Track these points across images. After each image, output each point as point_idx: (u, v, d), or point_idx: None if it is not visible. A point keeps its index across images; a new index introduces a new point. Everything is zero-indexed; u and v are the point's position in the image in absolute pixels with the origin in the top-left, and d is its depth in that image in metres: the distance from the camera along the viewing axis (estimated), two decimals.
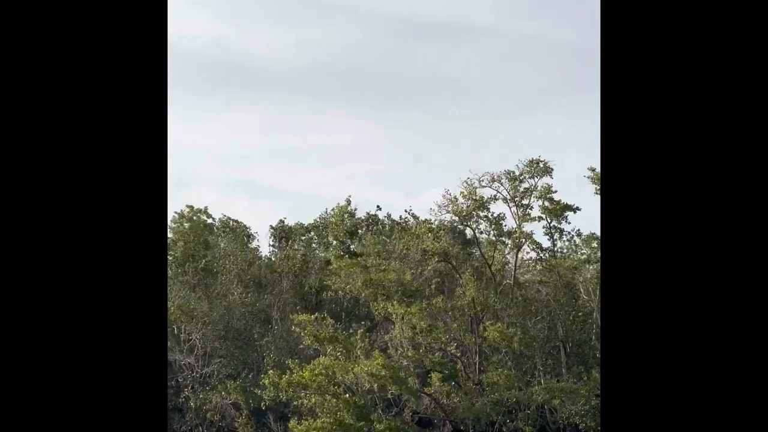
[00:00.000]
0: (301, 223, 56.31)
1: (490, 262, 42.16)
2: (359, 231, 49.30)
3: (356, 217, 53.22)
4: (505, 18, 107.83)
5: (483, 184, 40.80)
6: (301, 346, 41.85)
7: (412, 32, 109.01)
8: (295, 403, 38.86)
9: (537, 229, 41.98)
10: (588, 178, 40.47)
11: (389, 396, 39.61)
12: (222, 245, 53.75)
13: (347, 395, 38.32)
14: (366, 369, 37.57)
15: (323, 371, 38.45)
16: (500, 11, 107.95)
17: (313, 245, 55.90)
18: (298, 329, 39.82)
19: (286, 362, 39.65)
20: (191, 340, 44.80)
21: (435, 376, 39.74)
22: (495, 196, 41.11)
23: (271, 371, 39.17)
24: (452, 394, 39.94)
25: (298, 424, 38.04)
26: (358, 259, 41.66)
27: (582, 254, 48.78)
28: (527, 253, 42.07)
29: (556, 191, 41.40)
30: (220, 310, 45.36)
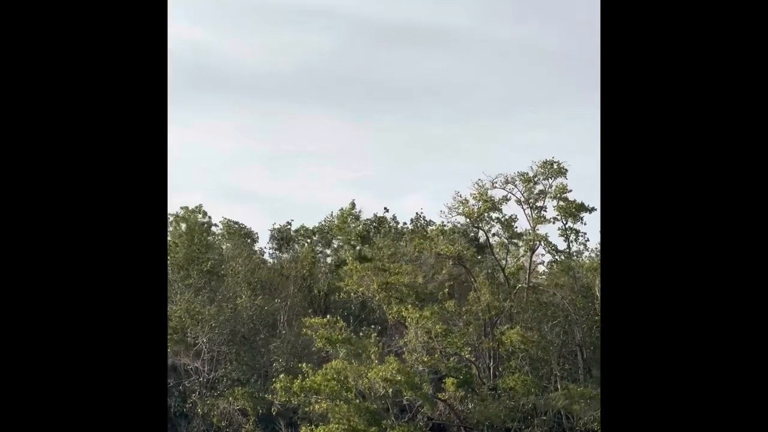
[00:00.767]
0: (305, 227, 55.50)
1: (503, 265, 41.38)
2: (370, 234, 48.39)
3: (361, 219, 52.47)
4: (483, 23, 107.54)
5: (496, 185, 40.04)
6: (314, 349, 41.08)
7: (391, 37, 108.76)
8: (307, 408, 38.02)
9: (551, 231, 41.27)
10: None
11: (402, 402, 38.87)
12: (225, 248, 52.90)
13: (358, 401, 37.54)
14: (381, 374, 36.78)
15: (335, 375, 37.66)
16: (479, 16, 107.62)
17: (318, 248, 55.09)
18: (310, 332, 38.99)
19: (298, 366, 38.82)
20: (197, 344, 43.91)
21: (449, 382, 39.01)
22: (507, 197, 40.30)
23: (282, 375, 38.35)
24: (466, 400, 39.21)
25: (310, 430, 37.28)
26: (375, 262, 40.79)
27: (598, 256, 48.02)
28: (542, 255, 41.32)
29: (570, 191, 40.75)
30: (228, 314, 44.47)
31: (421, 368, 38.03)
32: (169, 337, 42.86)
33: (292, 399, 37.98)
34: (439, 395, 38.97)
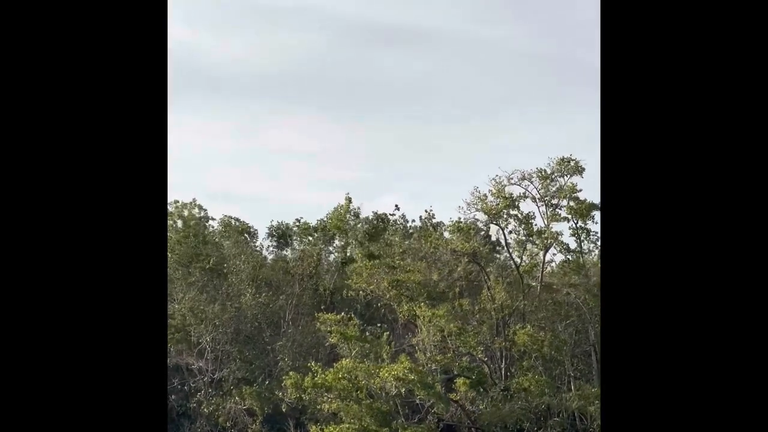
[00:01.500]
0: (307, 223, 54.61)
1: (518, 263, 40.74)
2: (378, 231, 47.57)
3: (363, 217, 51.68)
4: (467, 24, 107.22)
5: (512, 182, 39.39)
6: (321, 348, 40.35)
7: (375, 38, 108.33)
8: (318, 406, 37.23)
9: (564, 230, 40.69)
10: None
11: (413, 402, 38.17)
12: (226, 245, 51.97)
13: (368, 400, 36.80)
14: (393, 373, 36.03)
15: (346, 375, 36.90)
16: (464, 17, 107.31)
17: (319, 246, 54.23)
18: (324, 327, 38.19)
19: (308, 365, 38.04)
20: (201, 343, 42.99)
21: (460, 382, 38.32)
22: (524, 194, 39.68)
23: (292, 372, 37.55)
24: (478, 400, 38.53)
25: (320, 430, 36.50)
26: (386, 259, 40.06)
27: None
28: (554, 254, 40.70)
29: (581, 190, 40.15)
30: (232, 312, 43.57)
31: (434, 367, 37.32)
32: (172, 336, 42.03)
33: (302, 396, 37.21)
34: (450, 396, 38.25)
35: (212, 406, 41.42)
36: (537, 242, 39.72)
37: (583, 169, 39.55)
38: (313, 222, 54.83)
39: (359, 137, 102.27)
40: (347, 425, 36.29)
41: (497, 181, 39.14)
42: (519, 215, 39.55)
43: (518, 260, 41.16)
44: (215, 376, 42.77)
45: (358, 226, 47.99)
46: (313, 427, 37.76)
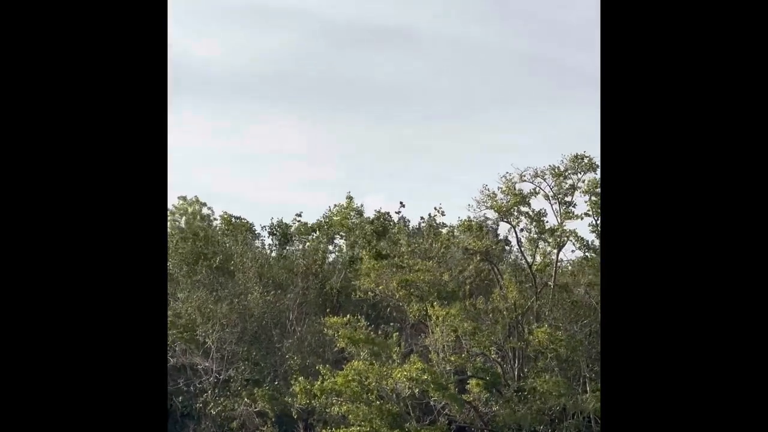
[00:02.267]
0: (305, 222, 53.68)
1: (530, 261, 39.99)
2: (385, 230, 46.70)
3: (368, 216, 50.81)
4: (448, 24, 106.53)
5: (524, 179, 38.62)
6: (330, 348, 39.59)
7: (357, 38, 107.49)
8: (327, 409, 36.51)
9: (581, 227, 39.84)
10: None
11: (424, 403, 37.47)
12: (228, 243, 51.06)
13: (378, 402, 36.09)
14: (405, 373, 35.30)
15: (356, 377, 36.16)
16: (446, 17, 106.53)
17: (322, 245, 53.35)
18: (331, 331, 37.48)
19: (317, 367, 37.32)
20: (206, 343, 42.18)
21: (473, 383, 37.62)
22: (535, 191, 38.89)
23: (301, 378, 36.79)
24: (491, 401, 37.83)
25: None
26: (393, 259, 39.29)
27: None
28: (572, 252, 39.88)
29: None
30: (239, 311, 42.75)
31: (447, 368, 36.62)
32: (181, 335, 41.29)
33: (312, 402, 36.52)
34: (463, 396, 37.54)
35: (219, 407, 40.67)
36: (549, 240, 38.90)
37: (597, 166, 38.79)
38: (311, 221, 54.03)
39: (348, 136, 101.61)
40: (357, 428, 35.60)
41: (507, 178, 38.37)
42: (530, 212, 38.76)
43: (530, 259, 40.35)
44: (221, 376, 41.98)
45: (366, 226, 47.07)
46: (323, 430, 37.10)
